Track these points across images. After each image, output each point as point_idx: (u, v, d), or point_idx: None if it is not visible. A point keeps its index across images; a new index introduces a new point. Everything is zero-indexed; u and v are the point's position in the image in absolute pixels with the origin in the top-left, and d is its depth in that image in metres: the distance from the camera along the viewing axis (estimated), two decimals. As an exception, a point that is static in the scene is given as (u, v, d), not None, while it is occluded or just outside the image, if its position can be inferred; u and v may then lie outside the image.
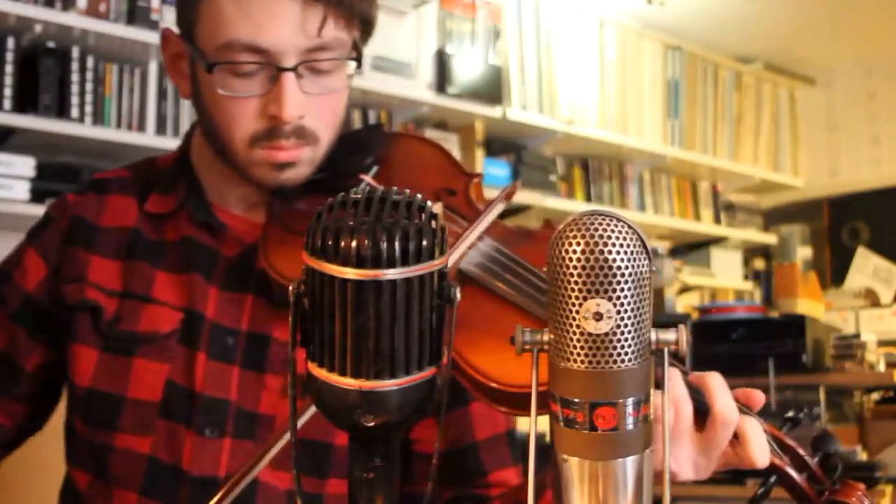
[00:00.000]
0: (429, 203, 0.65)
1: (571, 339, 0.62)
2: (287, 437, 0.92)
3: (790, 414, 1.02)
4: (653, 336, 0.64)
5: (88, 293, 1.13)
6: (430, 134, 3.77)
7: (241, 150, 1.08)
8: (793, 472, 0.98)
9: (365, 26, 1.12)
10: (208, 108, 1.10)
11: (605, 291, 0.61)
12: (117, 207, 1.19)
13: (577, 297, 0.61)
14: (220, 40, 1.04)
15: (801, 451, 1.00)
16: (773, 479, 0.98)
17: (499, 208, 1.07)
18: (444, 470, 1.15)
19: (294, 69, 1.04)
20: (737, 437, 0.92)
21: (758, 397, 0.97)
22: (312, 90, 1.07)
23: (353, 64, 1.11)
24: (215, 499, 0.92)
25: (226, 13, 1.04)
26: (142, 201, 1.19)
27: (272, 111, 1.05)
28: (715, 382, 0.92)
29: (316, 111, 1.08)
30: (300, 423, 0.90)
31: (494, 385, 0.91)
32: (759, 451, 0.92)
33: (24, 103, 2.82)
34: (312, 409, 0.89)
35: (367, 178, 1.14)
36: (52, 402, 1.24)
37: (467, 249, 1.03)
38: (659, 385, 0.66)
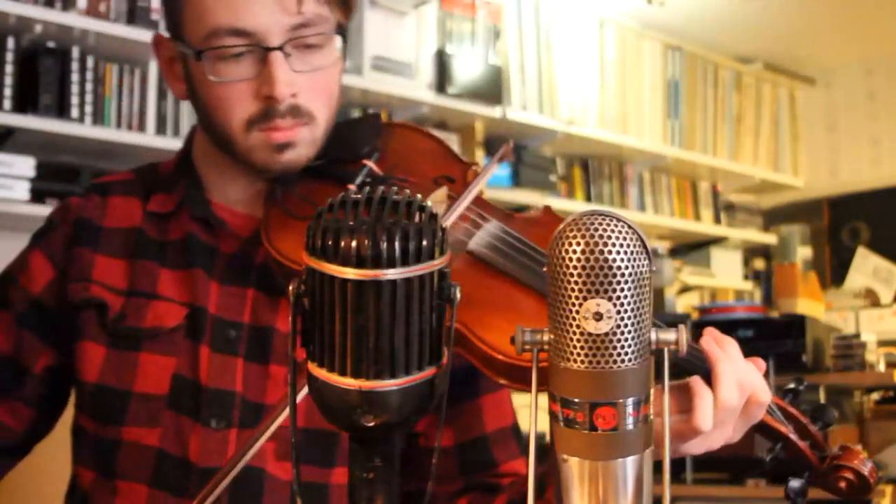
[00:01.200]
0: (429, 203, 0.65)
1: (571, 339, 0.62)
2: (278, 422, 0.94)
3: (791, 385, 1.07)
4: (653, 336, 0.64)
5: (94, 290, 1.15)
6: (430, 134, 3.77)
7: (240, 135, 1.10)
8: (796, 439, 1.02)
9: (345, 4, 1.14)
10: (204, 100, 1.12)
11: (605, 291, 0.61)
12: (120, 208, 1.21)
13: (577, 297, 0.61)
14: (204, 31, 1.08)
15: (804, 420, 1.04)
16: (779, 445, 1.02)
17: (492, 170, 1.11)
18: (453, 461, 1.16)
19: (280, 48, 1.07)
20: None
21: (759, 365, 0.98)
22: (302, 67, 1.09)
23: (340, 40, 1.13)
24: (216, 489, 0.94)
25: (206, 4, 1.07)
26: (145, 202, 1.21)
27: (265, 91, 1.08)
28: (722, 368, 0.92)
29: (308, 89, 1.10)
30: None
31: (501, 357, 0.92)
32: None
33: (24, 103, 2.82)
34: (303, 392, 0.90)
35: (370, 164, 1.15)
36: (58, 407, 1.24)
37: (461, 220, 1.06)
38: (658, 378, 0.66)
